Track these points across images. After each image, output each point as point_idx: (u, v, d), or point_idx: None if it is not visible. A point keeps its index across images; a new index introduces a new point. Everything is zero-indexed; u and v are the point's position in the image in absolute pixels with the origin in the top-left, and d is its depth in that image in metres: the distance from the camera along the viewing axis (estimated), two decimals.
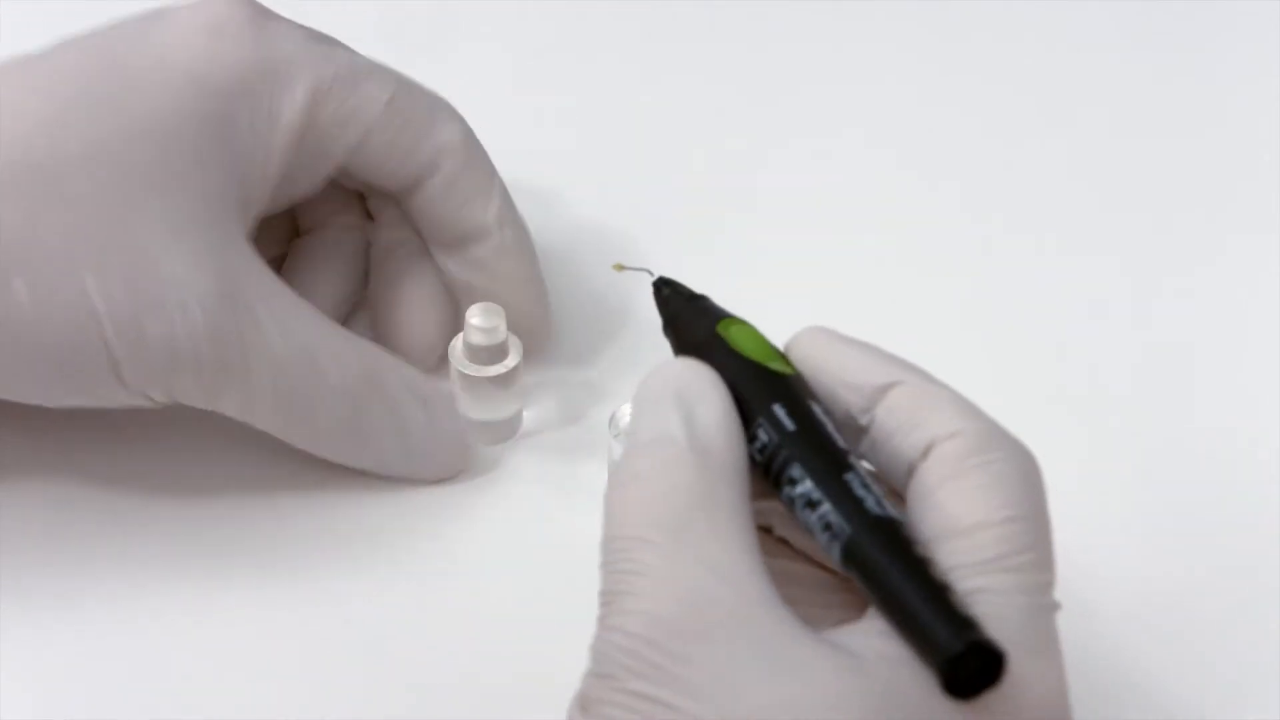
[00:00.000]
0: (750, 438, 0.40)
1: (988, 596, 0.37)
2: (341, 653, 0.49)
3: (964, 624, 0.36)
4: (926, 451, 0.39)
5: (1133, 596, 0.51)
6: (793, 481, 0.39)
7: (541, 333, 0.56)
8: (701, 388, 0.41)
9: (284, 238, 0.58)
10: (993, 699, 0.36)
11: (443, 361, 0.54)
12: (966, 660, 0.35)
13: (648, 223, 0.63)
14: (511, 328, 0.53)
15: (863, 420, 0.41)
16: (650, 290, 0.45)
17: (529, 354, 0.54)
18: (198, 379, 0.48)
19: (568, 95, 0.61)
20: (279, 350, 0.49)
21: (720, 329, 0.42)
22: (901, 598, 0.36)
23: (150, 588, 0.50)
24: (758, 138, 0.67)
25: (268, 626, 0.50)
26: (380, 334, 0.56)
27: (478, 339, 0.53)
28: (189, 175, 0.49)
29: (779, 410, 0.40)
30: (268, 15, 0.52)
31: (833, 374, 0.41)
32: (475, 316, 0.53)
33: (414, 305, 0.55)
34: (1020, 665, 0.36)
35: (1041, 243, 0.63)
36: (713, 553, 0.37)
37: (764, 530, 0.42)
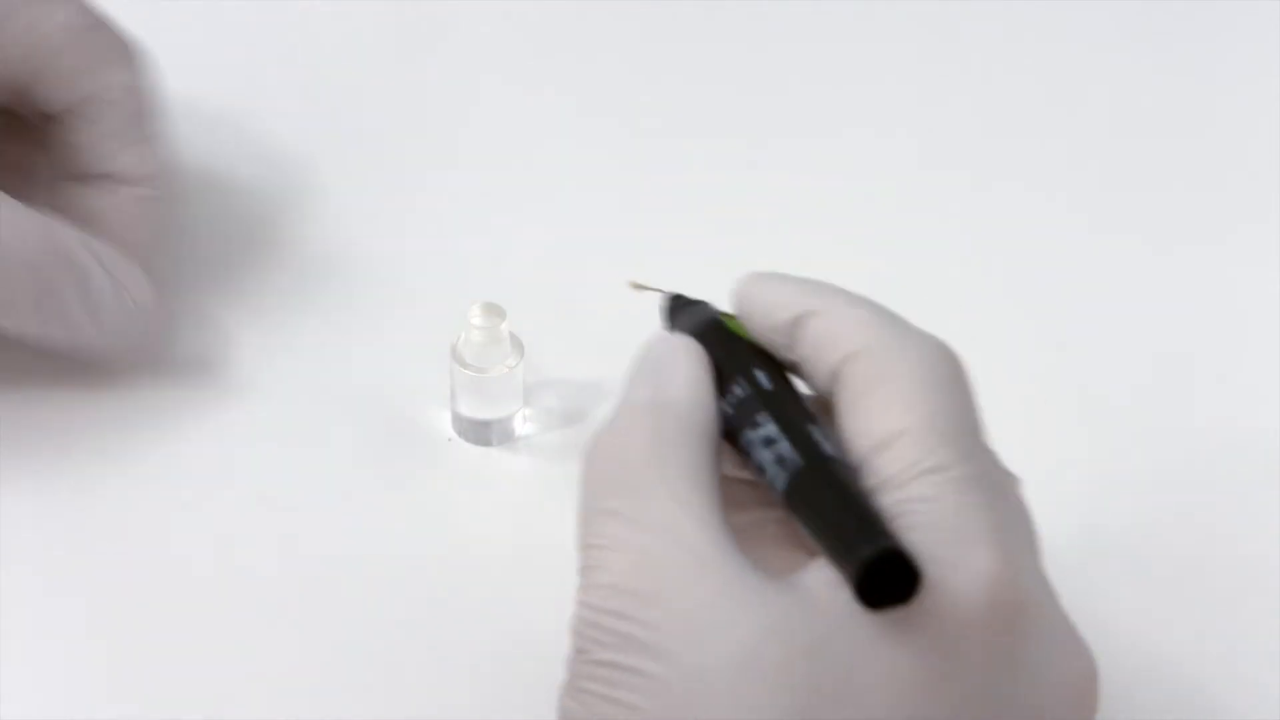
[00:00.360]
0: (726, 392, 0.41)
1: (914, 504, 0.37)
2: (333, 648, 0.49)
3: (882, 535, 0.36)
4: (835, 376, 0.40)
5: (1134, 592, 0.51)
6: (756, 425, 0.40)
7: (137, 295, 0.55)
8: (675, 353, 0.42)
9: None
10: (923, 604, 0.36)
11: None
12: (880, 567, 0.36)
13: (646, 222, 0.63)
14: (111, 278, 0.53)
15: (793, 356, 0.41)
16: (657, 301, 0.46)
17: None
18: None
19: (567, 95, 0.61)
20: None
21: (724, 317, 0.43)
22: (830, 516, 0.37)
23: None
24: (756, 136, 0.67)
25: (257, 620, 0.50)
26: None
27: (478, 338, 0.53)
28: None
29: (759, 373, 0.41)
30: None
31: (759, 318, 0.42)
32: (476, 316, 0.53)
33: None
34: (946, 566, 0.36)
35: (1042, 241, 0.63)
36: (664, 512, 0.38)
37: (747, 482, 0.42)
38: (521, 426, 0.55)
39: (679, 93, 0.68)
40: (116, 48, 0.55)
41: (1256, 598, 0.51)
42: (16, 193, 0.53)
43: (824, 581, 0.37)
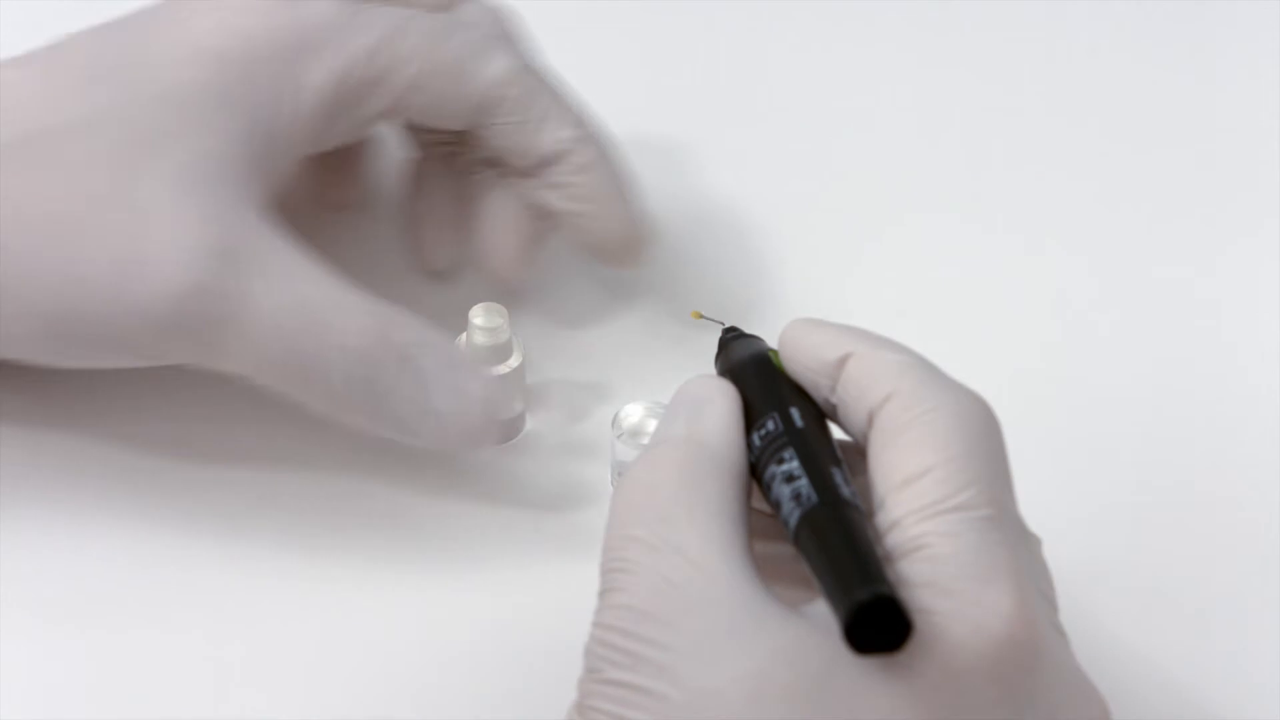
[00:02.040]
0: (759, 427, 0.42)
1: (932, 539, 0.38)
2: (338, 649, 0.49)
3: (878, 581, 0.36)
4: (871, 418, 0.41)
5: (1135, 617, 0.51)
6: (781, 461, 0.40)
7: (633, 250, 0.55)
8: (711, 395, 0.42)
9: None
10: (937, 639, 0.37)
11: (524, 277, 0.55)
12: (870, 614, 0.36)
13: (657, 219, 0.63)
14: (602, 249, 0.54)
15: (833, 399, 0.42)
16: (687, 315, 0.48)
17: (625, 276, 0.54)
18: (194, 340, 0.48)
19: (572, 83, 0.61)
20: (278, 309, 0.48)
21: (771, 353, 0.44)
22: (831, 557, 0.38)
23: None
24: (756, 135, 0.67)
25: (263, 620, 0.50)
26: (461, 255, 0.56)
27: (480, 339, 0.53)
28: (195, 138, 0.49)
29: (794, 410, 0.42)
30: None
31: (802, 360, 0.43)
32: (477, 317, 0.53)
33: (492, 223, 0.55)
34: (962, 599, 0.37)
35: (1040, 242, 0.63)
36: (688, 541, 0.39)
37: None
38: (524, 427, 0.55)
39: (680, 92, 0.68)
40: (482, 42, 0.54)
41: (1258, 615, 0.51)
42: (308, 223, 0.53)
43: None
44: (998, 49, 0.71)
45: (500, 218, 0.55)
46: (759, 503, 0.42)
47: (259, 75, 0.50)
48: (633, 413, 0.52)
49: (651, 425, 0.51)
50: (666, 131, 0.66)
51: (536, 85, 0.54)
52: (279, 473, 0.53)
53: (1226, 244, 0.63)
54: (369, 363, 0.49)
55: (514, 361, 0.54)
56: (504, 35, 0.55)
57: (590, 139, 0.54)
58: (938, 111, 0.68)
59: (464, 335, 0.53)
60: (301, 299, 0.49)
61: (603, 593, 0.39)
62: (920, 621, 0.36)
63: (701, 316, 0.48)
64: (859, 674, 0.37)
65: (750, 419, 0.42)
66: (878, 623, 0.36)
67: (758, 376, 0.43)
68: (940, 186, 0.65)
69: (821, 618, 0.38)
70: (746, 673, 0.37)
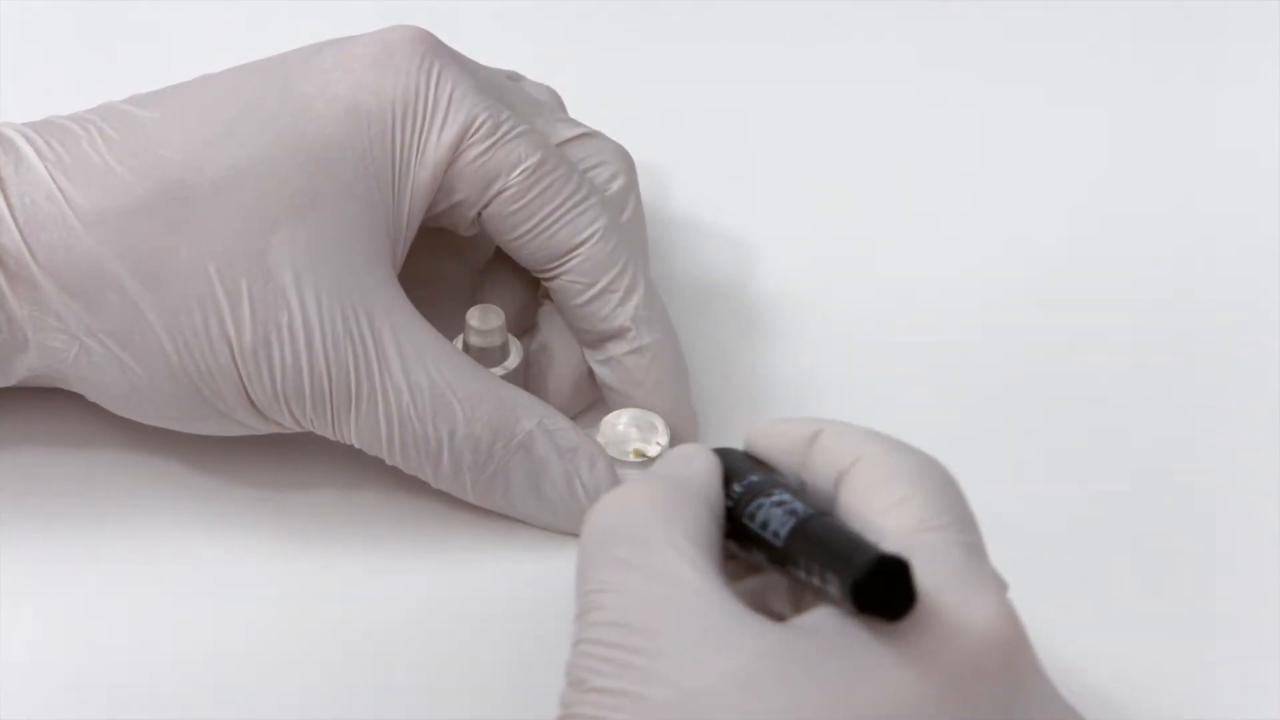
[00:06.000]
0: (741, 480, 0.44)
1: (918, 550, 0.39)
2: (336, 652, 0.50)
3: (878, 550, 0.38)
4: (840, 477, 0.42)
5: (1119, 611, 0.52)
6: (769, 494, 0.42)
7: (685, 434, 0.54)
8: (694, 451, 0.45)
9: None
10: (929, 629, 0.38)
11: (579, 415, 0.54)
12: (879, 576, 0.37)
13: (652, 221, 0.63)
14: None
15: (804, 474, 0.44)
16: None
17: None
18: (320, 411, 0.49)
19: (566, 96, 0.61)
20: (403, 389, 0.49)
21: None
22: (834, 542, 0.40)
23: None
24: (754, 140, 0.67)
25: (262, 621, 0.50)
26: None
27: (476, 341, 0.53)
28: (332, 201, 0.50)
29: (777, 474, 0.44)
30: (440, 52, 0.52)
31: (774, 442, 0.45)
32: (474, 318, 0.53)
33: (547, 355, 0.55)
34: (954, 596, 0.38)
35: (1040, 246, 0.63)
36: (666, 558, 0.40)
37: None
38: None
39: (678, 93, 0.68)
40: (581, 193, 0.53)
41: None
42: (435, 304, 0.53)
43: (822, 616, 0.39)
44: (998, 51, 0.71)
45: (558, 358, 0.55)
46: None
47: (389, 138, 0.51)
48: (617, 420, 0.52)
49: (634, 434, 0.52)
50: (662, 129, 0.66)
51: (615, 253, 0.53)
52: (273, 476, 0.54)
53: (1226, 243, 0.63)
54: (485, 449, 0.50)
55: (511, 363, 0.54)
56: (602, 201, 0.53)
57: (651, 320, 0.53)
58: (933, 114, 0.68)
59: (461, 336, 0.53)
60: (428, 382, 0.49)
61: (582, 613, 0.40)
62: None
63: (643, 454, 0.51)
64: (850, 664, 0.38)
65: (730, 480, 0.44)
66: (884, 588, 0.37)
67: (733, 456, 0.45)
68: (937, 190, 0.65)
69: (805, 623, 0.39)
70: (737, 667, 0.37)
